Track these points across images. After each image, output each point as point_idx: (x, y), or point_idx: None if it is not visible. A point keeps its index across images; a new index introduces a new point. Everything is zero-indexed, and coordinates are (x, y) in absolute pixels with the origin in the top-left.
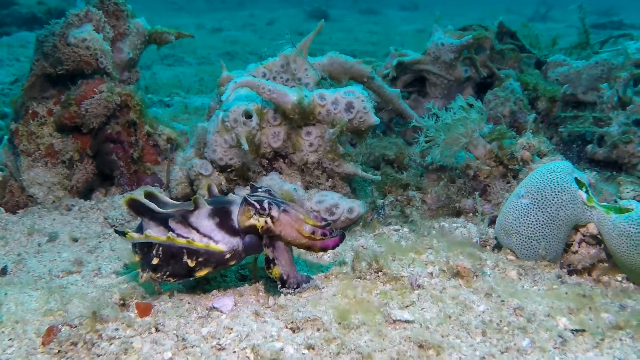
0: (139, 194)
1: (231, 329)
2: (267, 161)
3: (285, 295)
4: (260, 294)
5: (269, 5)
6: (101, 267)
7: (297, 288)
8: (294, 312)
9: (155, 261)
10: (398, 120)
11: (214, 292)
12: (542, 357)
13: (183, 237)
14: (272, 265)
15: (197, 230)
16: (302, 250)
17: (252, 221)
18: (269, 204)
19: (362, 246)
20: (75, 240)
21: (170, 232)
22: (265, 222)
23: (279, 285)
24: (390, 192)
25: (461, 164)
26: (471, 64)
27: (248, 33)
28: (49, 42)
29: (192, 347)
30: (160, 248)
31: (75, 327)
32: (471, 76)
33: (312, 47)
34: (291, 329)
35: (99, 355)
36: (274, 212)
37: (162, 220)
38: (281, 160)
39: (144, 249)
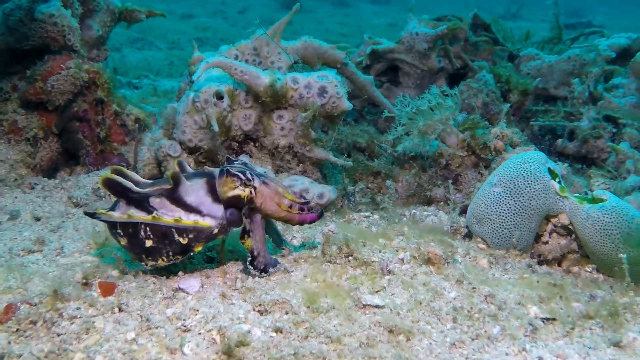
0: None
1: (197, 310)
2: (237, 144)
3: (253, 277)
4: (228, 276)
5: None
6: (64, 247)
7: (263, 270)
8: (262, 295)
9: (148, 243)
10: (370, 109)
11: (180, 273)
12: (513, 345)
13: (168, 215)
14: (246, 236)
15: (182, 208)
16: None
17: (238, 191)
18: (251, 174)
19: (331, 231)
20: (38, 219)
21: (155, 212)
22: (250, 192)
23: (248, 260)
24: (360, 179)
25: (433, 153)
26: (445, 55)
27: (219, 20)
28: (15, 16)
29: (157, 327)
30: (148, 228)
31: (35, 305)
32: (444, 67)
33: (284, 37)
34: (259, 311)
35: (59, 335)
36: (256, 183)
37: (141, 200)
38: (251, 143)
39: (129, 230)
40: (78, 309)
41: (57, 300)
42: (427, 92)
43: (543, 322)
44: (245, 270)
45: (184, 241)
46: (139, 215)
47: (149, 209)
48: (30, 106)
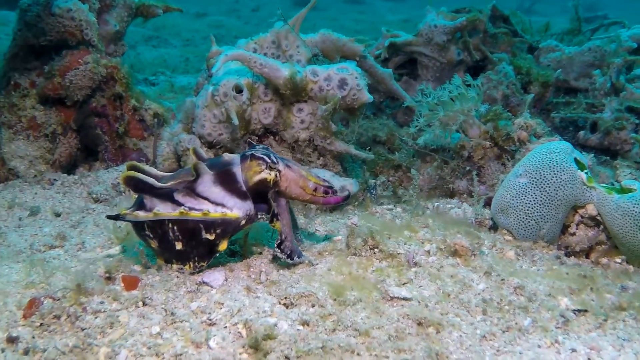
0: (124, 169)
1: (222, 303)
2: (257, 138)
3: (279, 261)
4: (252, 269)
5: None
6: (85, 242)
7: (290, 255)
8: (287, 288)
9: (179, 245)
10: (388, 103)
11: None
12: (545, 337)
13: (196, 209)
14: (275, 219)
15: (208, 200)
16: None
17: (264, 175)
18: (275, 157)
19: (354, 224)
20: (58, 214)
21: (182, 207)
22: (276, 175)
23: (276, 243)
24: (381, 172)
25: (455, 145)
26: (464, 47)
27: (233, 19)
28: (33, 12)
29: (182, 321)
30: (175, 227)
31: (59, 299)
32: (463, 59)
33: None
34: (284, 304)
35: (83, 329)
36: (280, 167)
37: (166, 195)
38: (271, 137)
39: (157, 231)
40: (102, 303)
41: (80, 295)
42: (449, 83)
43: (575, 313)
44: (268, 264)
45: (211, 237)
46: (165, 212)
47: (173, 204)
48: (49, 102)
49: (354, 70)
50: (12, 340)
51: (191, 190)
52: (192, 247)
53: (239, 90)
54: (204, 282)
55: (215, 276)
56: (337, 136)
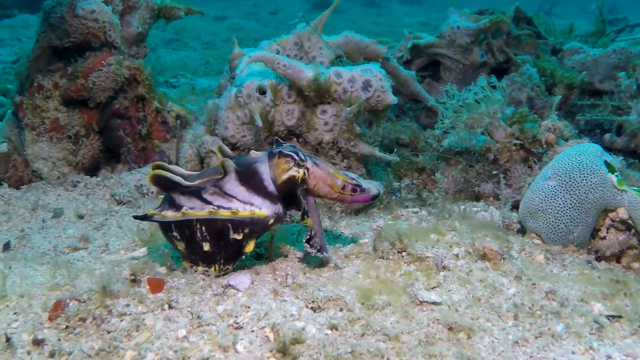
0: (146, 171)
1: (248, 307)
2: (280, 140)
3: (308, 255)
4: (278, 272)
5: None
6: (109, 244)
7: (319, 250)
8: (314, 291)
9: (206, 247)
10: (411, 105)
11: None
12: (579, 343)
13: (224, 208)
14: (306, 216)
15: (236, 198)
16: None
17: (292, 172)
18: (303, 155)
19: (380, 227)
20: (81, 216)
21: (211, 206)
22: (304, 173)
23: (305, 239)
24: (405, 175)
25: (480, 148)
26: (488, 49)
27: (252, 22)
28: (56, 13)
29: (208, 325)
30: (204, 227)
31: (84, 302)
32: (487, 61)
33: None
34: (312, 308)
35: (109, 332)
36: (309, 164)
37: (194, 194)
38: (295, 139)
39: (184, 231)
40: (127, 305)
41: (106, 297)
42: (474, 84)
43: (609, 319)
44: (295, 267)
45: (239, 237)
46: (194, 212)
47: (201, 203)
48: (72, 104)
49: (378, 71)
50: (37, 342)
51: (219, 188)
52: (219, 248)
53: (262, 91)
54: (230, 285)
55: (242, 279)
56: (361, 138)
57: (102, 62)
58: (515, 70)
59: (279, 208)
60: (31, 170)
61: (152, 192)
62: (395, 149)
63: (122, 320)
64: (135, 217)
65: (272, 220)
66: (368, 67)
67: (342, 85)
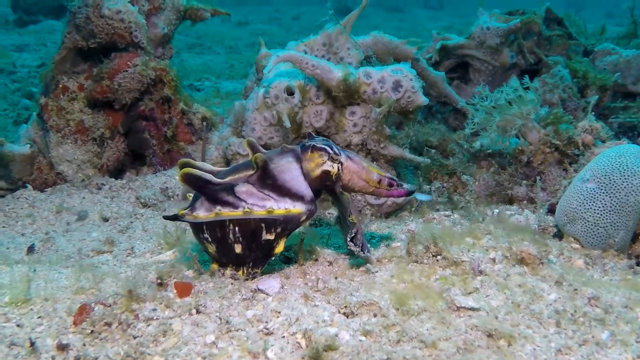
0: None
1: (279, 312)
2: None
3: (355, 252)
4: (308, 277)
5: (295, 1)
6: (134, 247)
7: (362, 248)
8: (346, 296)
9: (238, 249)
10: (439, 107)
11: (257, 270)
12: (625, 352)
13: (259, 206)
14: (350, 213)
15: (270, 195)
16: None
17: (326, 167)
18: (337, 149)
19: (411, 230)
20: (106, 219)
21: (245, 204)
22: (338, 168)
23: (349, 237)
24: (435, 178)
25: (513, 150)
26: (518, 50)
27: (274, 27)
28: (82, 14)
29: (237, 330)
30: (237, 228)
31: (110, 306)
32: (517, 62)
33: None
34: (344, 313)
35: (135, 337)
36: (342, 159)
37: (226, 192)
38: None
39: (216, 232)
40: (154, 310)
41: (132, 301)
42: (506, 85)
43: None
44: (325, 270)
45: (271, 237)
46: (227, 212)
47: (235, 201)
48: (97, 105)
49: (408, 72)
50: (62, 347)
51: (252, 184)
52: (250, 250)
53: (290, 92)
54: (259, 290)
55: (271, 283)
56: (391, 140)
57: (128, 63)
58: (547, 72)
59: (312, 204)
60: (56, 172)
61: (177, 195)
62: (419, 153)
63: (148, 325)
64: (166, 218)
65: (304, 217)
66: (398, 67)
67: (371, 85)
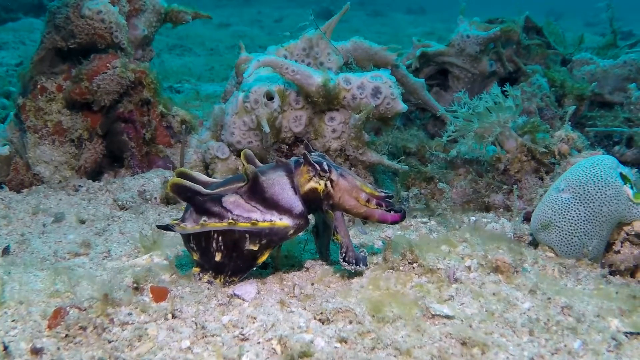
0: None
1: (255, 318)
2: (287, 146)
3: (350, 270)
4: (285, 282)
5: (277, 4)
6: (111, 250)
7: (356, 263)
8: (322, 303)
9: (218, 257)
10: (418, 114)
11: (235, 279)
12: None
13: (244, 218)
14: (336, 232)
15: (257, 207)
16: None
17: (312, 184)
18: (328, 165)
19: (389, 237)
20: (83, 222)
21: (231, 215)
22: (326, 185)
23: (340, 257)
24: (413, 184)
25: (490, 158)
26: (497, 58)
27: (256, 29)
28: (62, 14)
29: (213, 336)
30: (220, 237)
31: (85, 310)
32: (496, 70)
33: None
34: (320, 320)
35: (110, 341)
36: (334, 176)
37: (214, 202)
38: (302, 146)
39: (201, 242)
40: (130, 314)
41: (107, 305)
42: (485, 93)
43: (627, 336)
44: (302, 277)
45: (255, 248)
46: (212, 223)
47: (222, 212)
48: (76, 107)
49: (388, 78)
50: (36, 351)
51: (240, 196)
52: (230, 258)
53: (270, 97)
54: (235, 295)
55: (247, 289)
56: (370, 146)
57: (107, 64)
58: (525, 80)
59: (301, 218)
60: (32, 173)
61: (155, 198)
62: (402, 158)
63: (124, 330)
64: (159, 227)
65: (292, 231)
66: (378, 74)
67: (351, 91)
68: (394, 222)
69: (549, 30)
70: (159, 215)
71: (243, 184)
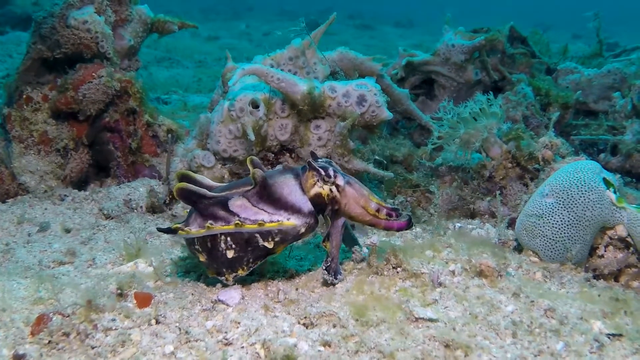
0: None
1: (238, 322)
2: (272, 155)
3: (327, 280)
4: (269, 287)
5: (265, 17)
6: (95, 258)
7: (334, 276)
8: (306, 307)
9: (230, 254)
10: (404, 123)
11: (219, 284)
12: None
13: (251, 220)
14: (327, 240)
15: (265, 210)
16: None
17: (317, 189)
18: (334, 171)
19: (374, 243)
20: (68, 231)
21: (237, 218)
22: (331, 190)
23: (324, 265)
24: (399, 192)
25: (476, 165)
26: (482, 67)
27: (244, 42)
28: (47, 24)
29: (196, 341)
30: (229, 238)
31: (68, 316)
32: (482, 79)
33: None
34: (304, 324)
35: (93, 347)
36: (340, 181)
37: (220, 205)
38: (287, 154)
39: (207, 244)
40: (113, 320)
41: (91, 312)
42: (471, 100)
43: (609, 338)
44: (286, 282)
45: (269, 245)
46: (218, 226)
47: (227, 216)
48: (61, 116)
49: (373, 86)
50: (18, 358)
51: (247, 199)
52: (246, 252)
53: (255, 105)
54: (219, 300)
55: (232, 294)
56: (355, 154)
57: (93, 74)
58: (510, 89)
59: (310, 217)
60: (18, 183)
61: (141, 207)
62: (384, 167)
63: (107, 336)
64: (160, 230)
65: (303, 230)
66: (363, 82)
67: (336, 99)
68: (399, 229)
69: (534, 40)
70: (144, 224)
71: (250, 187)
